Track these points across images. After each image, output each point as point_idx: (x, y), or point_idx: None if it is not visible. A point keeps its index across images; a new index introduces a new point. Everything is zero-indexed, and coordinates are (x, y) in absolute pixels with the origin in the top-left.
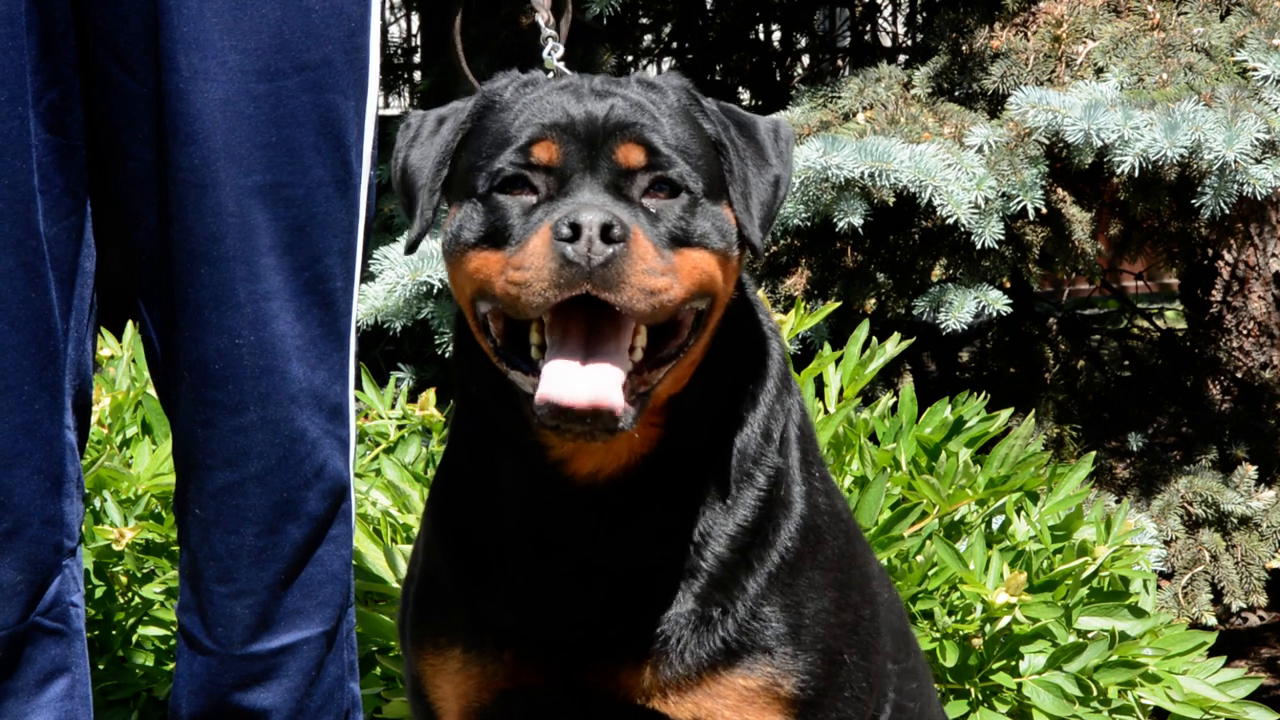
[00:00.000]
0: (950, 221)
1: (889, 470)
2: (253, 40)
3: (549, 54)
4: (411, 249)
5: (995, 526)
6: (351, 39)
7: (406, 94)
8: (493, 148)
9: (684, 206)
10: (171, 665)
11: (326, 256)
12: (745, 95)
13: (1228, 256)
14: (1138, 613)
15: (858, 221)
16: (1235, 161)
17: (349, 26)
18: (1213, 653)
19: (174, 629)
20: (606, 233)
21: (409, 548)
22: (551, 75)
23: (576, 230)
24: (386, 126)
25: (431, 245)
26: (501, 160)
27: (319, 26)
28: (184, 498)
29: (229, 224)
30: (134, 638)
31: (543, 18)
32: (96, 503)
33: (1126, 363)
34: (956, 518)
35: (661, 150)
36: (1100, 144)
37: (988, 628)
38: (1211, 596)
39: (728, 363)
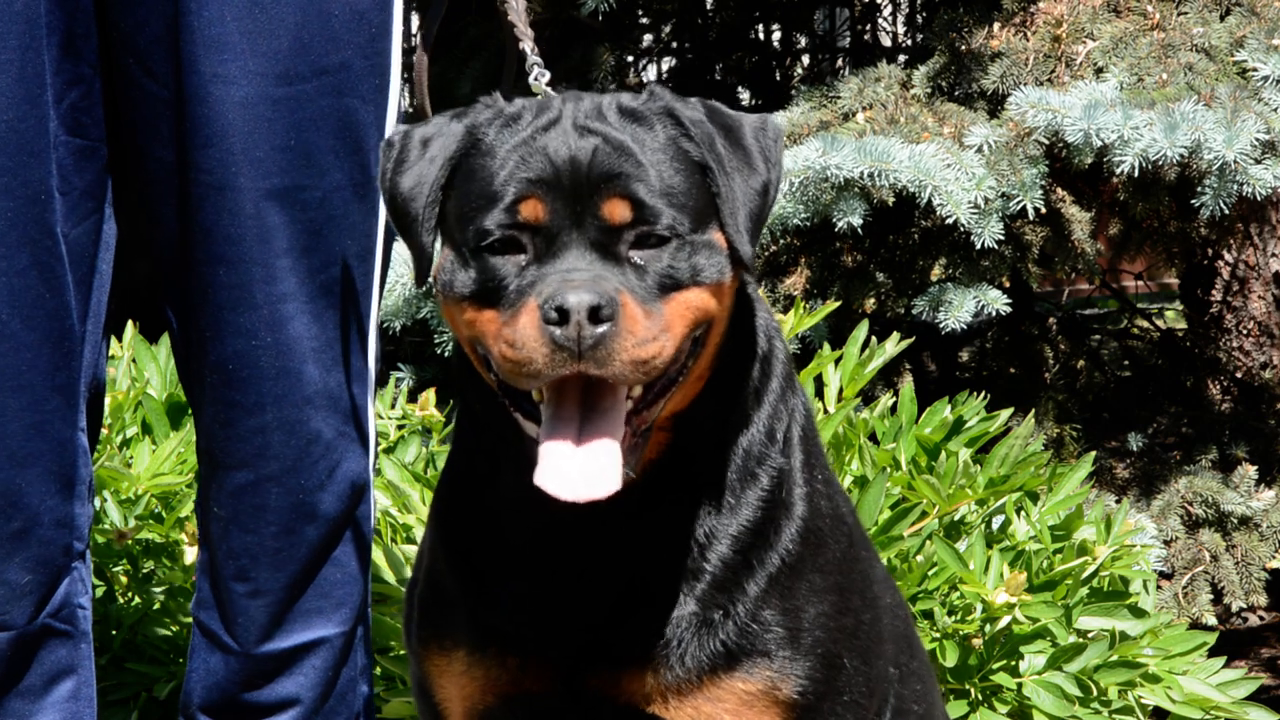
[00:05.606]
0: (950, 221)
1: (889, 470)
2: (273, 43)
3: (535, 80)
4: (421, 282)
5: (995, 526)
6: (372, 44)
7: (406, 94)
8: (480, 200)
9: (673, 252)
10: (172, 665)
11: (345, 259)
12: (745, 95)
13: (1228, 256)
14: (1138, 613)
15: (857, 221)
16: (1235, 161)
17: (370, 32)
18: (1213, 653)
19: (175, 629)
20: (595, 314)
21: (410, 548)
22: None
23: (564, 315)
24: None
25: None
26: (489, 220)
27: (339, 31)
28: (205, 496)
29: (247, 226)
30: (135, 638)
31: (527, 45)
32: (97, 503)
33: (1126, 363)
34: (956, 518)
35: (647, 202)
36: (1100, 144)
37: (988, 628)
38: (1211, 596)
39: (733, 365)
